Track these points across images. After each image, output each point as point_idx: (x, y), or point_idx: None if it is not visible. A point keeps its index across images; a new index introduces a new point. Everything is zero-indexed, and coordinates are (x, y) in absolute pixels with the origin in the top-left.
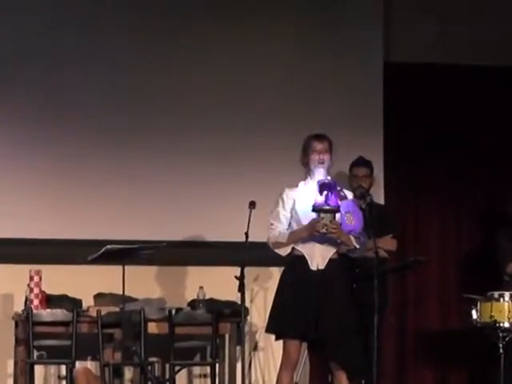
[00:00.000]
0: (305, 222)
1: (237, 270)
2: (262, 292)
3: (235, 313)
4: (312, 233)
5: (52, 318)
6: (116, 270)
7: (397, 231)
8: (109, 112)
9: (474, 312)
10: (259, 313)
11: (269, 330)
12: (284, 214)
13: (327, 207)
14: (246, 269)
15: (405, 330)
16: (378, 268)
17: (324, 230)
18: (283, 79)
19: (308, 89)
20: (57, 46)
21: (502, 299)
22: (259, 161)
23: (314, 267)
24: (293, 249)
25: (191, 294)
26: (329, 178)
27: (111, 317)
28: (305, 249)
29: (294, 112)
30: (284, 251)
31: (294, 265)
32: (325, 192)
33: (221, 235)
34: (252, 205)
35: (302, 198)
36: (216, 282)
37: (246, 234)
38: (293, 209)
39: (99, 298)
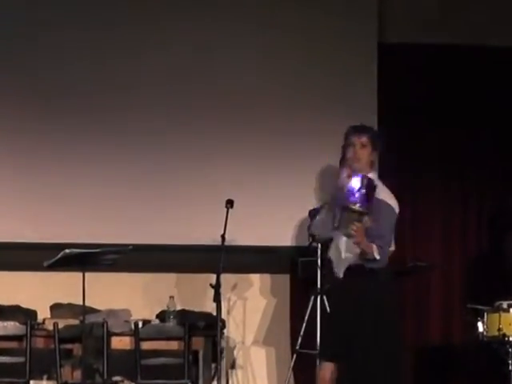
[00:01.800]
0: None
1: (212, 278)
2: (240, 302)
3: (210, 326)
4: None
5: (3, 331)
6: (75, 277)
7: (395, 234)
8: (72, 108)
9: (480, 324)
10: (237, 326)
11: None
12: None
13: (357, 207)
14: (223, 276)
15: (403, 344)
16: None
17: (350, 231)
18: (271, 61)
19: (297, 72)
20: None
21: (511, 310)
22: (238, 155)
23: (340, 274)
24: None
25: (160, 305)
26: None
27: (70, 330)
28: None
29: (281, 96)
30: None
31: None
32: (362, 190)
33: (194, 238)
34: (229, 203)
35: None
36: (188, 291)
37: (223, 237)
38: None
39: (56, 309)
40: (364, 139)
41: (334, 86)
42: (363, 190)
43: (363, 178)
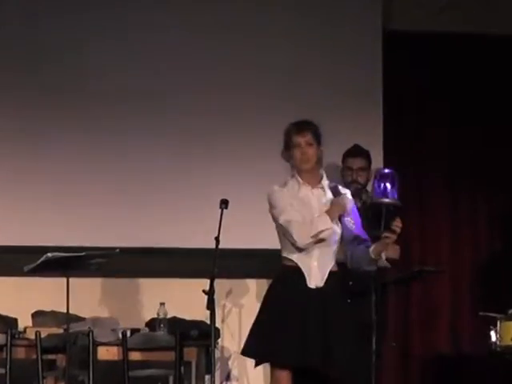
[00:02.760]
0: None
1: (205, 283)
2: (235, 309)
3: (204, 335)
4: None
5: None
6: (59, 282)
7: (400, 235)
8: (57, 110)
9: (492, 333)
10: (232, 335)
11: (248, 352)
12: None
13: (393, 201)
14: (217, 281)
15: (409, 356)
16: (376, 280)
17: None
18: (273, 48)
19: (298, 64)
20: None
21: None
22: (233, 152)
23: (312, 285)
24: (285, 259)
25: (150, 312)
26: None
27: (53, 340)
28: (302, 260)
29: (280, 87)
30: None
31: (286, 278)
32: (387, 184)
33: (186, 241)
34: (224, 204)
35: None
36: (180, 298)
37: (217, 240)
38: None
39: (38, 316)
40: (309, 137)
41: (334, 77)
42: (388, 184)
43: (384, 172)
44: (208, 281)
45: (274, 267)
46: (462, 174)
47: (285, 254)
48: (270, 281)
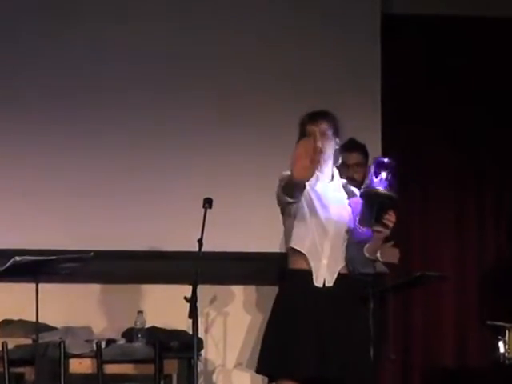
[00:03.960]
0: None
1: (187, 289)
2: (220, 318)
3: (185, 346)
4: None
5: None
6: (27, 288)
7: (399, 237)
8: (30, 108)
9: (500, 344)
10: (217, 345)
11: (263, 370)
12: None
13: (387, 192)
14: (200, 287)
15: (410, 369)
16: (374, 286)
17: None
18: (268, 37)
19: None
20: None
21: None
22: (218, 149)
23: (319, 283)
24: (292, 255)
25: (127, 322)
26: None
27: (21, 351)
28: (311, 252)
29: (271, 80)
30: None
31: (294, 283)
32: (383, 173)
33: (166, 243)
34: (208, 203)
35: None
36: (160, 306)
37: (200, 242)
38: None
39: (5, 326)
40: (324, 126)
41: (331, 62)
42: (386, 173)
43: (381, 161)
44: (190, 287)
45: (263, 272)
46: (466, 171)
47: (293, 245)
48: (259, 287)
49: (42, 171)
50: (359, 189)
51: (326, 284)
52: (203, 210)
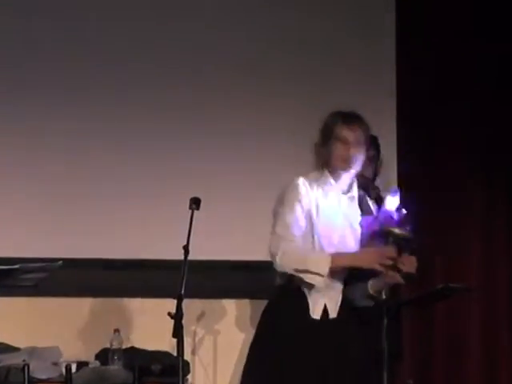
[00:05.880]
0: (324, 234)
1: (171, 304)
2: (209, 337)
3: (169, 370)
4: (374, 265)
5: None
6: None
7: (417, 244)
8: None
9: None
10: (205, 369)
11: None
12: (301, 218)
13: (402, 232)
14: (186, 301)
15: None
16: (388, 301)
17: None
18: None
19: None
20: None
21: None
22: (207, 148)
23: (316, 315)
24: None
25: (101, 341)
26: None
27: None
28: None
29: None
30: (320, 280)
31: (293, 306)
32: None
33: (147, 250)
34: (195, 204)
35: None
36: (139, 323)
37: (186, 249)
38: (309, 212)
39: None
40: (359, 133)
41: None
42: (403, 210)
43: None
44: (175, 301)
45: (258, 284)
46: (495, 169)
47: None
48: (253, 301)
49: (8, 176)
50: (369, 186)
51: (331, 315)
52: (189, 211)
